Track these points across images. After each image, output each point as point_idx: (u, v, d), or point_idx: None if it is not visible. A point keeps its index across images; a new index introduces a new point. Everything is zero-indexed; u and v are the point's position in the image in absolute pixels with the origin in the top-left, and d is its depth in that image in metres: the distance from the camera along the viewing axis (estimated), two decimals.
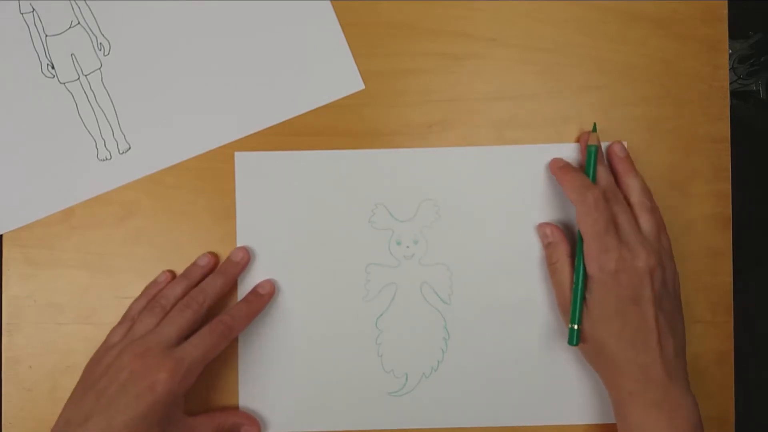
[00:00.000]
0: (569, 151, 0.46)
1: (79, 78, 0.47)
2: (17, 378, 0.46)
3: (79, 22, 0.47)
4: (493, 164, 0.47)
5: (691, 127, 0.47)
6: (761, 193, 0.85)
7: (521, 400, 0.46)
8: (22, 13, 0.47)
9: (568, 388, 0.46)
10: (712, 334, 0.46)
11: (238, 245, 0.46)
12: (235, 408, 0.46)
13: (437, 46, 0.47)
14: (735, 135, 0.47)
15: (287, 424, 0.46)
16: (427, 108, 0.47)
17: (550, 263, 0.45)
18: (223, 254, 0.46)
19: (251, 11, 0.47)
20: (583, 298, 0.42)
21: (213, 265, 0.46)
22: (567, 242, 0.44)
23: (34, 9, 0.47)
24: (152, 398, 0.37)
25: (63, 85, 0.47)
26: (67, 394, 0.40)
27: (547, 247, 0.45)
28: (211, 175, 0.47)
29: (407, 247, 0.46)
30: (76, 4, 0.47)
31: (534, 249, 0.46)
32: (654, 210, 0.43)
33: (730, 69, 0.49)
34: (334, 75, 0.47)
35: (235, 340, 0.46)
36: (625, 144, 0.46)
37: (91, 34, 0.47)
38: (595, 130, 0.45)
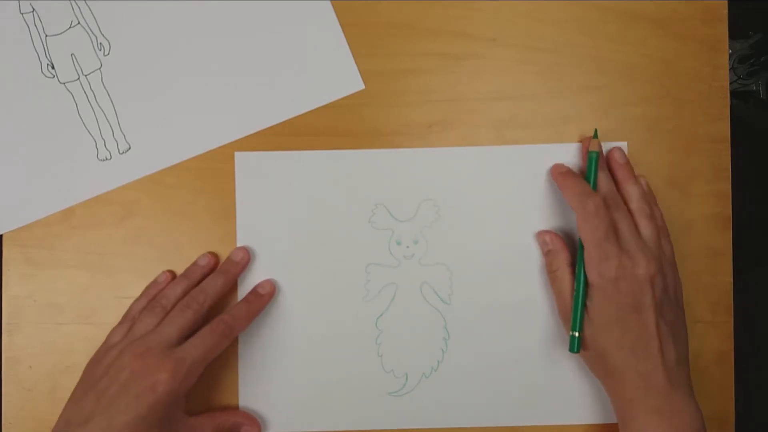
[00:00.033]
0: (569, 151, 0.46)
1: (79, 78, 0.47)
2: (17, 378, 0.46)
3: (79, 22, 0.47)
4: (493, 164, 0.47)
5: (691, 127, 0.47)
6: (761, 193, 0.85)
7: (521, 400, 0.46)
8: (22, 13, 0.47)
9: (568, 388, 0.46)
10: (712, 334, 0.46)
11: (238, 245, 0.46)
12: (236, 408, 0.46)
13: (437, 46, 0.47)
14: (735, 135, 0.47)
15: (287, 424, 0.46)
16: (427, 108, 0.47)
17: (550, 271, 0.45)
18: (223, 254, 0.46)
19: (251, 11, 0.47)
20: (584, 306, 0.42)
21: (213, 265, 0.46)
22: (567, 250, 0.44)
23: (34, 9, 0.47)
24: (153, 398, 0.37)
25: (63, 85, 0.47)
26: (67, 394, 0.40)
27: (547, 254, 0.45)
28: (211, 175, 0.47)
29: (407, 247, 0.46)
30: (76, 4, 0.47)
31: (534, 249, 0.46)
32: (653, 216, 0.43)
33: (730, 69, 0.49)
34: (334, 75, 0.47)
35: (235, 340, 0.46)
36: (625, 145, 0.46)
37: (91, 34, 0.47)
38: (596, 136, 0.45)
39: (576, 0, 0.47)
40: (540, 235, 0.46)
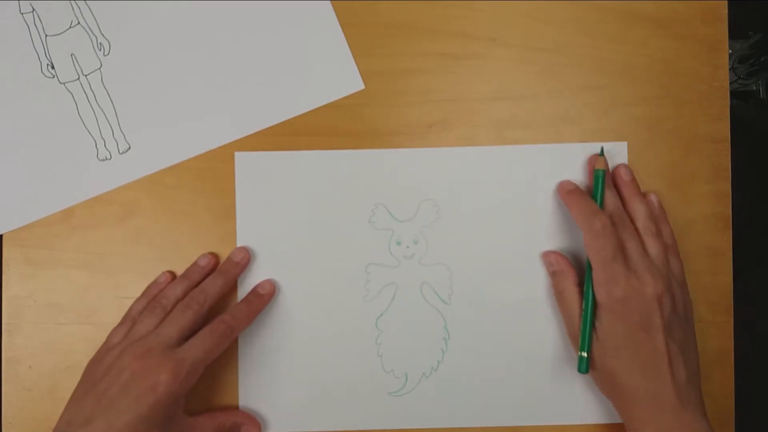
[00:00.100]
0: (569, 152, 0.46)
1: (79, 78, 0.47)
2: (17, 378, 0.46)
3: (79, 22, 0.47)
4: (493, 164, 0.47)
5: (691, 127, 0.47)
6: (761, 193, 0.85)
7: (521, 400, 0.46)
8: (22, 13, 0.47)
9: (568, 388, 0.46)
10: (712, 334, 0.46)
11: (238, 245, 0.46)
12: (236, 408, 0.46)
13: (437, 46, 0.47)
14: (735, 135, 0.47)
15: (287, 424, 0.46)
16: (427, 108, 0.47)
17: (557, 291, 0.45)
18: (223, 254, 0.46)
19: (251, 12, 0.47)
20: (593, 326, 0.42)
21: (213, 266, 0.46)
22: (573, 270, 0.44)
23: (34, 9, 0.47)
24: (153, 399, 0.37)
25: (63, 85, 0.47)
26: (67, 394, 0.40)
27: (553, 275, 0.45)
28: (211, 175, 0.47)
29: (407, 247, 0.46)
30: (76, 4, 0.47)
31: (534, 249, 0.46)
32: (660, 234, 0.43)
33: (730, 69, 0.49)
34: (334, 75, 0.47)
35: (236, 341, 0.46)
36: (625, 145, 0.46)
37: (91, 34, 0.47)
38: (602, 153, 0.45)
39: (576, 0, 0.47)
40: (546, 256, 0.46)
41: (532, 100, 0.47)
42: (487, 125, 0.47)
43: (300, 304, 0.46)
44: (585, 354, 0.42)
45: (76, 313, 0.46)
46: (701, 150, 0.47)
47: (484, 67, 0.47)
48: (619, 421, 0.43)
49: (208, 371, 0.42)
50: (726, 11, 0.47)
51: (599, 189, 0.43)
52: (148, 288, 0.46)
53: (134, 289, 0.46)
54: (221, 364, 0.46)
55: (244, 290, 0.46)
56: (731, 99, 0.47)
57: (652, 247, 0.42)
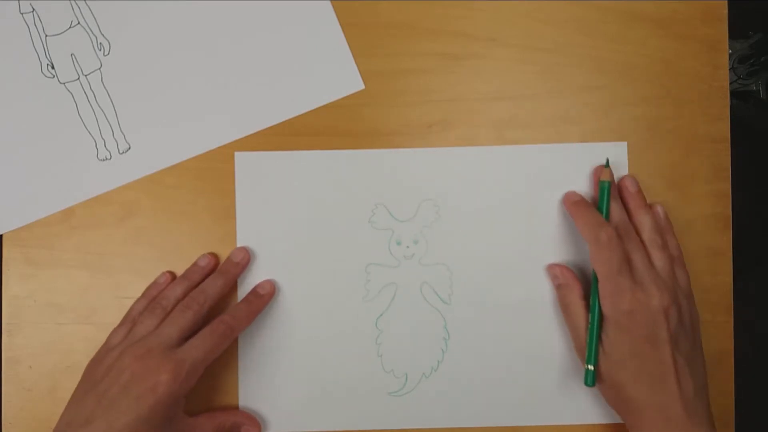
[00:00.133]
0: (569, 152, 0.46)
1: (79, 78, 0.47)
2: (17, 378, 0.46)
3: (79, 22, 0.47)
4: (493, 164, 0.47)
5: (691, 127, 0.47)
6: (761, 193, 0.85)
7: (521, 400, 0.46)
8: (22, 13, 0.47)
9: (568, 388, 0.46)
10: (712, 334, 0.46)
11: (238, 245, 0.46)
12: (236, 408, 0.46)
13: (437, 46, 0.47)
14: (735, 135, 0.47)
15: (287, 424, 0.46)
16: (427, 108, 0.47)
17: (562, 304, 0.45)
18: (223, 254, 0.46)
19: (251, 12, 0.47)
20: (599, 339, 0.42)
21: (213, 266, 0.46)
22: (578, 282, 0.44)
23: (34, 9, 0.47)
24: (153, 400, 0.37)
25: (63, 85, 0.47)
26: (67, 394, 0.40)
27: (558, 288, 0.45)
28: (211, 175, 0.47)
29: (407, 247, 0.46)
30: (76, 4, 0.47)
31: (534, 249, 0.46)
32: (666, 246, 0.43)
33: (730, 69, 0.49)
34: (334, 75, 0.47)
35: (235, 341, 0.46)
36: (625, 145, 0.46)
37: (91, 34, 0.47)
38: (607, 165, 0.45)
39: (576, 0, 0.47)
40: (551, 269, 0.45)
41: (532, 100, 0.47)
42: (487, 125, 0.47)
43: (300, 304, 0.46)
44: (591, 367, 0.41)
45: (76, 313, 0.46)
46: (701, 150, 0.47)
47: (484, 67, 0.47)
48: (620, 421, 0.43)
49: (208, 371, 0.42)
50: (726, 11, 0.47)
51: (605, 200, 0.43)
52: (148, 288, 0.46)
53: (134, 289, 0.46)
54: (221, 364, 0.46)
55: (244, 290, 0.46)
56: (731, 99, 0.47)
57: (658, 259, 0.42)
